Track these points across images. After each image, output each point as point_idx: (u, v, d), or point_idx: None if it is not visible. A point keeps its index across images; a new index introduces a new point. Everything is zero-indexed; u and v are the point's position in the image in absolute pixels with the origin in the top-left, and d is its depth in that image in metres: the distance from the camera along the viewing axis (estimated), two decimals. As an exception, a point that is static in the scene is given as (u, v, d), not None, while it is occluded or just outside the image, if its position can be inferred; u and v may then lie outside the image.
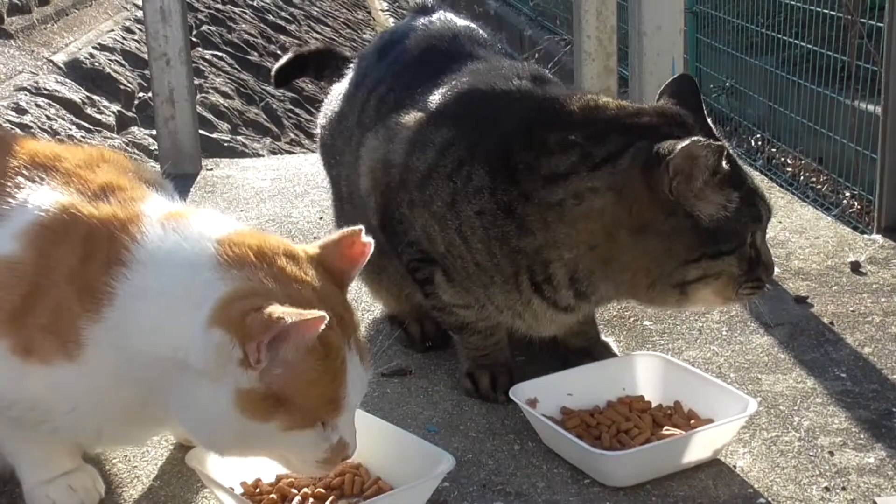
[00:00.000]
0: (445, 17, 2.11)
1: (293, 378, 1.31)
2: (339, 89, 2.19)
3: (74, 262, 1.38)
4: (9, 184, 1.47)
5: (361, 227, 1.45)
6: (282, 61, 2.63)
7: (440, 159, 1.78)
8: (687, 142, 1.58)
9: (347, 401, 1.37)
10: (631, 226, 1.66)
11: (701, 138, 1.60)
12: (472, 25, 2.11)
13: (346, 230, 1.45)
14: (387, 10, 11.84)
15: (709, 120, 1.78)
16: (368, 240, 1.44)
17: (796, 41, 4.66)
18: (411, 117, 1.85)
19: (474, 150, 1.76)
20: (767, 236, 1.76)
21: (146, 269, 1.36)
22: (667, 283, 1.68)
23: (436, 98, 1.86)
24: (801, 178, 4.76)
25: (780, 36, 4.82)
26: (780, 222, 2.70)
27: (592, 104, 1.76)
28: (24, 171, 1.49)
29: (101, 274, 1.37)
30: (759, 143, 5.14)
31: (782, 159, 4.98)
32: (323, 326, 1.27)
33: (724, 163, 1.62)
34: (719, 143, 1.63)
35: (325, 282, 1.40)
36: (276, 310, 1.26)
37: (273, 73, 2.65)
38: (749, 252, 1.68)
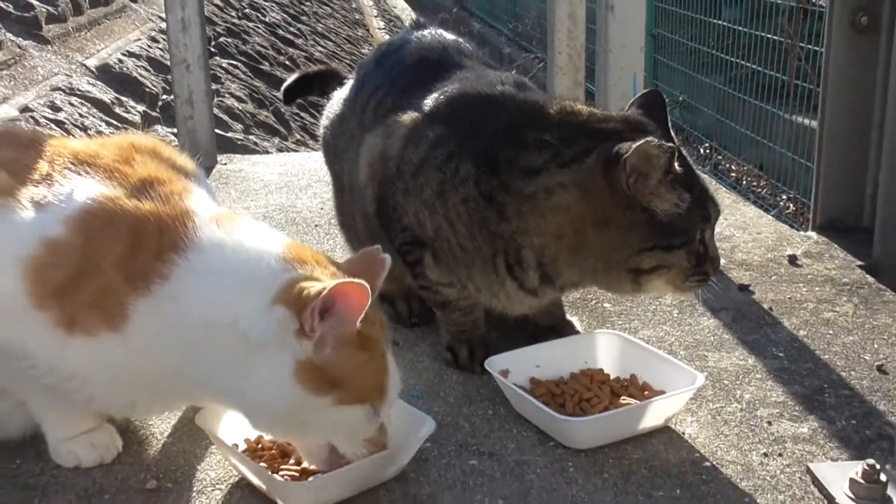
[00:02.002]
0: (436, 32, 2.08)
1: (350, 363, 1.32)
2: (340, 95, 2.17)
3: (121, 248, 1.36)
4: (56, 177, 1.44)
5: (378, 245, 1.48)
6: (289, 81, 2.58)
7: (432, 152, 1.75)
8: (641, 141, 1.55)
9: (390, 390, 1.38)
10: (593, 218, 1.63)
11: (654, 139, 1.57)
12: (460, 39, 2.09)
13: (366, 248, 1.48)
14: (383, 29, 11.80)
15: (671, 131, 1.76)
16: (386, 256, 1.46)
17: (742, 62, 4.65)
18: (408, 116, 1.83)
19: (462, 145, 1.73)
20: (715, 231, 1.74)
21: (208, 253, 1.36)
22: (623, 270, 1.65)
23: (430, 101, 1.83)
24: (744, 182, 4.76)
25: (727, 57, 4.82)
26: (726, 219, 2.68)
27: (568, 109, 1.73)
28: (70, 167, 1.46)
29: (152, 258, 1.35)
30: (708, 151, 5.14)
31: (728, 166, 4.98)
32: (366, 300, 1.29)
33: (676, 164, 1.60)
34: (671, 144, 1.60)
35: None
36: (326, 284, 1.28)
37: (282, 92, 2.61)
38: (698, 248, 1.65)
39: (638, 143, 1.55)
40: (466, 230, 1.73)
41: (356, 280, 1.28)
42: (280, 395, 1.31)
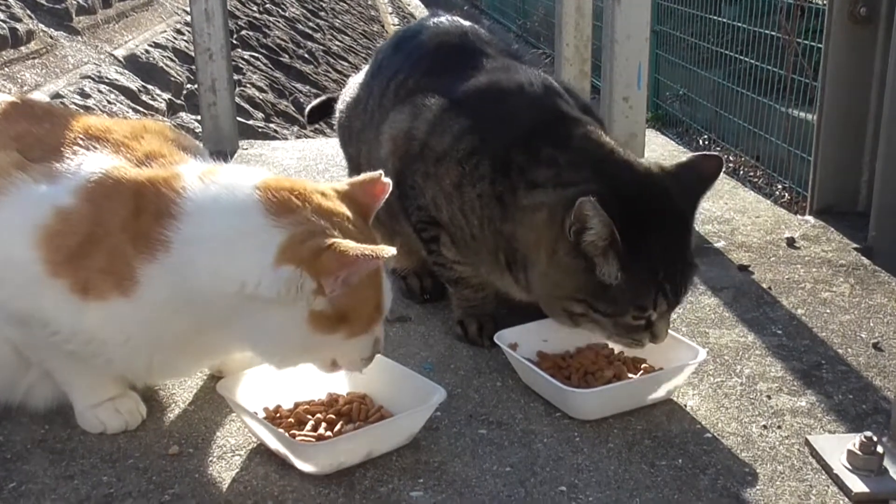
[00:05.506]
0: (452, 19, 2.04)
1: (355, 298, 1.32)
2: (355, 80, 2.15)
3: (126, 214, 1.34)
4: (67, 150, 1.43)
5: (381, 171, 1.44)
6: (314, 103, 2.57)
7: (456, 144, 1.71)
8: (582, 200, 1.47)
9: (385, 306, 1.40)
10: (547, 247, 1.59)
11: (591, 200, 1.46)
12: (476, 26, 2.04)
13: (370, 173, 1.44)
14: (397, 25, 11.74)
15: (698, 206, 1.62)
16: (388, 180, 1.43)
17: (740, 57, 4.59)
18: (436, 101, 1.78)
19: (484, 143, 1.69)
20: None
21: (195, 219, 1.33)
22: (558, 306, 1.61)
23: (458, 89, 1.78)
24: (741, 172, 4.71)
25: (726, 52, 4.76)
26: (726, 203, 2.64)
27: (592, 136, 1.65)
28: (80, 140, 1.45)
29: (153, 224, 1.33)
30: (707, 142, 5.08)
31: (726, 156, 4.92)
32: (379, 264, 1.29)
33: (615, 237, 1.48)
34: (606, 219, 1.47)
35: (355, 214, 1.39)
36: (345, 246, 1.26)
37: (306, 113, 2.60)
38: (631, 321, 1.55)
39: (580, 201, 1.47)
40: (478, 222, 1.70)
41: (378, 248, 1.26)
42: (295, 339, 1.34)
